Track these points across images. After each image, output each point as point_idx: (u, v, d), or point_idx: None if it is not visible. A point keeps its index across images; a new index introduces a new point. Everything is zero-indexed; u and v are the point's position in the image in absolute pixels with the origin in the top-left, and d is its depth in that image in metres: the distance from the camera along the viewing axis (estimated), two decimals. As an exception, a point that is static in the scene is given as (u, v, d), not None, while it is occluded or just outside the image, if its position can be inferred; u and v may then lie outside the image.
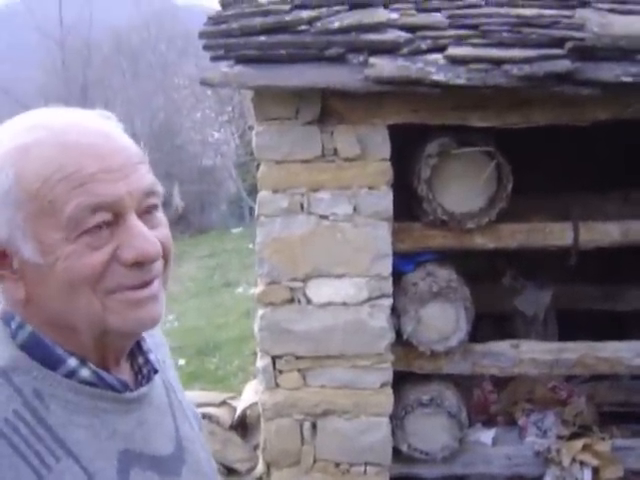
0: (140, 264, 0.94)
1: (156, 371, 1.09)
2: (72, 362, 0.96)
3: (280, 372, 3.33)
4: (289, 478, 3.44)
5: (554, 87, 2.87)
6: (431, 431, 3.54)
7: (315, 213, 3.10)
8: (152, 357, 1.09)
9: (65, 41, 21.90)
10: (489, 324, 4.64)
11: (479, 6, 3.78)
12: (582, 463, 3.67)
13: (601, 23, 3.46)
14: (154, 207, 0.98)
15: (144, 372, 1.07)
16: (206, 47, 3.25)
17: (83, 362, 0.97)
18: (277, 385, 3.34)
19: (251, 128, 3.48)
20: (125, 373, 1.06)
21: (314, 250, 3.13)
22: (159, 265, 0.98)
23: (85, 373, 0.97)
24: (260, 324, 3.29)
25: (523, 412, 3.99)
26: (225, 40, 3.22)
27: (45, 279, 0.92)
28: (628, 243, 3.50)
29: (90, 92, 20.70)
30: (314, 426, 3.37)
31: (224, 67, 3.08)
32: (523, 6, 3.75)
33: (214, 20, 3.45)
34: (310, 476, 3.42)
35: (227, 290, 9.95)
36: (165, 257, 0.99)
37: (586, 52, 3.07)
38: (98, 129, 0.97)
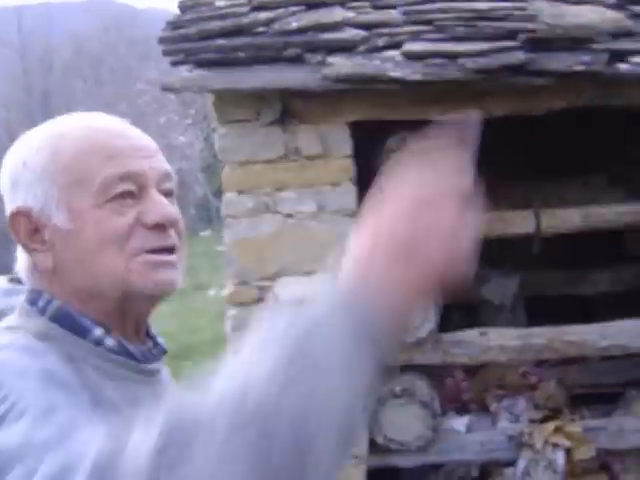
0: (161, 227, 1.04)
1: (165, 351, 1.16)
2: (98, 331, 1.03)
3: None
4: None
5: (509, 79, 2.93)
6: (405, 421, 3.59)
7: (280, 212, 3.13)
8: (160, 340, 1.16)
9: (25, 48, 21.71)
10: (458, 314, 4.70)
11: (434, 1, 3.84)
12: (555, 445, 3.74)
13: (553, 14, 3.54)
14: (170, 192, 1.09)
15: (154, 352, 1.13)
16: (166, 52, 3.27)
17: (108, 332, 1.04)
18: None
19: (215, 130, 3.51)
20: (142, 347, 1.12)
21: (281, 249, 3.16)
22: (176, 238, 1.07)
23: (110, 342, 1.03)
24: (231, 325, 3.31)
25: (495, 398, 4.05)
26: (184, 45, 3.25)
27: (74, 244, 1.02)
28: (589, 228, 3.57)
29: (52, 99, 20.54)
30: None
31: (184, 72, 3.11)
32: (477, 0, 3.82)
33: (173, 25, 3.48)
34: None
35: (199, 293, 9.93)
36: (179, 235, 1.08)
37: (539, 43, 3.14)
38: (122, 121, 1.11)
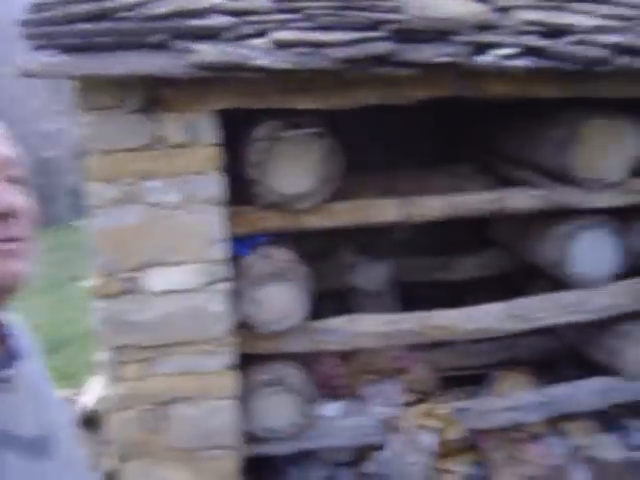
0: (4, 216, 0.97)
1: (24, 356, 1.10)
2: None
3: (123, 363, 3.29)
4: (141, 469, 3.42)
5: (374, 69, 2.96)
6: (278, 409, 3.60)
7: (147, 202, 3.07)
8: (20, 343, 1.10)
9: None
10: (332, 301, 4.75)
11: (304, -10, 3.84)
12: (425, 427, 3.83)
13: (420, 5, 3.60)
14: (18, 179, 1.02)
15: (12, 356, 1.08)
16: (29, 36, 3.13)
17: None
18: (121, 377, 3.30)
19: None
20: None
21: (148, 239, 3.11)
22: (24, 229, 1.01)
23: None
24: (99, 317, 3.24)
25: (367, 383, 4.13)
26: (48, 28, 3.12)
27: None
28: (453, 216, 3.66)
29: None
30: (161, 415, 3.36)
31: (45, 56, 2.98)
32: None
33: (38, 7, 3.34)
34: (162, 465, 3.41)
35: (72, 285, 9.65)
36: (27, 224, 1.02)
37: (404, 34, 3.18)
38: None
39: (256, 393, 3.56)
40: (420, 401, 4.00)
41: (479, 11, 3.61)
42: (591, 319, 3.97)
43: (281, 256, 3.44)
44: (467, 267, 4.86)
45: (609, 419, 4.39)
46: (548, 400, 4.06)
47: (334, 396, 4.10)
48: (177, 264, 3.15)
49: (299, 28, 3.23)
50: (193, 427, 3.37)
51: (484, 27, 3.43)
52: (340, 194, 3.49)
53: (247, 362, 3.58)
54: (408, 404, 3.99)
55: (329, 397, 4.06)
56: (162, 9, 3.26)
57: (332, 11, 3.39)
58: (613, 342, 4.11)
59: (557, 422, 4.19)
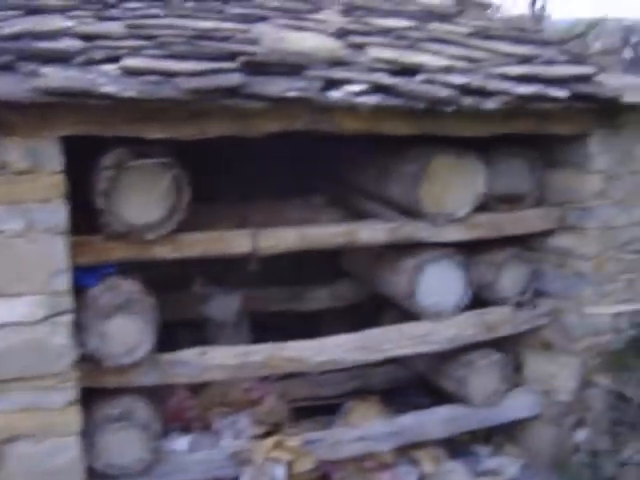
0: None
1: None
2: None
3: (-42, 400, 3.10)
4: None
5: (224, 100, 2.94)
6: (124, 445, 3.49)
7: (-15, 230, 2.92)
8: None
9: None
10: (185, 332, 4.69)
11: (159, 17, 3.80)
12: (275, 459, 3.81)
13: (275, 38, 3.63)
14: None
15: None
16: None
17: None
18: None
19: None
20: None
21: (-13, 268, 2.95)
22: None
23: None
24: None
25: (218, 416, 4.07)
26: None
27: None
28: (305, 247, 3.68)
29: None
30: (0, 454, 3.18)
31: None
32: (203, 19, 3.83)
33: None
34: (-1, 507, 3.23)
35: None
36: None
37: (257, 66, 3.18)
38: None
39: (102, 429, 3.44)
40: (271, 433, 3.97)
41: (333, 47, 3.68)
42: (438, 349, 4.08)
43: (128, 287, 3.36)
44: (320, 298, 4.90)
45: (457, 446, 4.51)
46: (398, 429, 4.13)
47: (185, 429, 4.02)
48: (17, 295, 3.00)
49: (151, 56, 3.18)
50: (34, 467, 3.19)
51: (337, 63, 3.49)
52: (193, 225, 3.44)
53: (93, 397, 3.46)
54: (259, 436, 3.96)
55: (179, 431, 3.98)
56: (9, 29, 3.16)
57: (186, 40, 3.37)
58: (459, 371, 4.23)
59: (407, 450, 4.27)
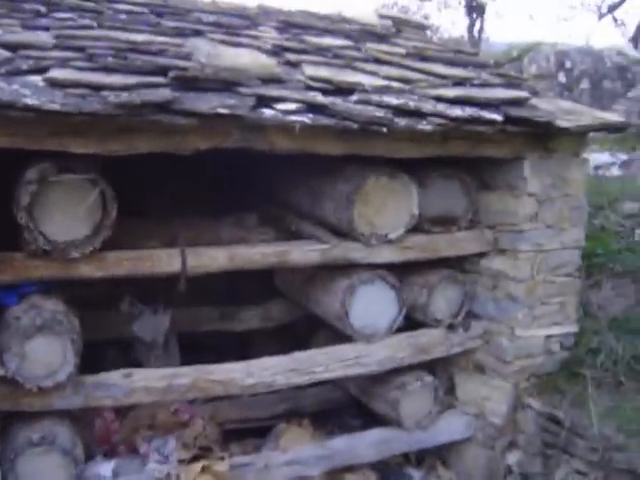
0: None
1: None
2: None
3: None
4: None
5: (152, 116, 2.85)
6: (46, 471, 3.36)
7: None
8: None
9: None
10: (114, 352, 4.57)
11: (90, 28, 3.71)
12: (202, 485, 3.72)
13: (210, 53, 3.57)
14: None
15: None
16: None
17: None
18: None
19: None
20: None
21: None
22: None
23: None
24: None
25: (144, 439, 3.95)
26: None
27: None
28: (234, 267, 3.61)
29: None
30: None
31: None
32: (136, 31, 3.75)
33: None
34: None
35: None
36: None
37: (188, 82, 3.12)
38: None
39: (22, 454, 3.30)
40: (199, 457, 3.87)
41: (268, 64, 3.64)
42: (370, 372, 4.04)
43: (51, 307, 3.24)
44: (252, 318, 4.83)
45: (390, 469, 4.48)
46: (329, 453, 4.08)
47: (110, 453, 3.89)
48: None
49: (80, 68, 3.10)
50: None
51: (271, 80, 3.44)
52: (121, 241, 3.34)
53: (11, 421, 3.33)
54: (187, 460, 3.85)
55: (104, 455, 3.85)
56: None
57: (117, 52, 3.28)
58: (391, 394, 4.20)
59: (339, 474, 4.21)
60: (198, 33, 4.07)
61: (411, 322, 4.20)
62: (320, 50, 4.16)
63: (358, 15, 5.38)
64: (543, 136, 3.92)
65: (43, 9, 3.88)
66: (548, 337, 4.26)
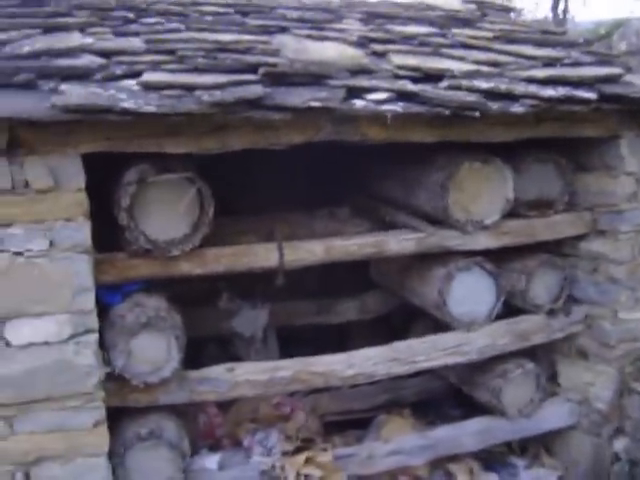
0: None
1: None
2: None
3: (-17, 422, 3.07)
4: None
5: (245, 112, 2.89)
6: (154, 464, 3.45)
7: (8, 250, 2.88)
8: None
9: None
10: (215, 347, 4.65)
11: (178, 31, 3.78)
12: (306, 476, 3.75)
13: (296, 49, 3.59)
14: None
15: None
16: None
17: None
18: (-19, 437, 3.08)
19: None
20: None
21: (10, 289, 2.91)
22: None
23: None
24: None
25: (248, 432, 4.02)
26: None
27: None
28: (331, 260, 3.63)
29: None
30: (27, 476, 3.14)
31: None
32: (223, 31, 3.81)
33: None
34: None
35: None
36: None
37: (278, 77, 3.14)
38: None
39: (131, 448, 3.39)
40: (302, 449, 3.91)
41: (355, 55, 3.64)
42: (471, 360, 4.00)
43: (153, 304, 3.31)
44: (348, 310, 4.84)
45: (493, 458, 4.43)
46: (431, 442, 4.06)
47: (214, 447, 3.97)
48: (42, 315, 2.97)
49: (172, 70, 3.16)
50: (62, 488, 3.17)
51: (359, 71, 3.44)
52: (218, 239, 3.40)
53: (120, 416, 3.42)
54: (290, 452, 3.90)
55: (209, 448, 3.93)
56: (29, 48, 3.14)
57: (206, 53, 3.34)
58: (493, 382, 4.15)
59: (442, 463, 4.20)
60: (283, 30, 4.09)
61: (510, 309, 4.14)
62: (406, 39, 4.13)
63: (441, 2, 5.32)
64: (639, 113, 3.80)
65: (132, 15, 3.97)
66: (652, 320, 4.14)
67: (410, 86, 3.32)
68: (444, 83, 3.44)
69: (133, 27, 3.79)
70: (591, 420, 4.25)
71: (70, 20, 3.70)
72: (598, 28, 11.21)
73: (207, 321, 4.37)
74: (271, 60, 3.32)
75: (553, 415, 4.32)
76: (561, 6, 17.73)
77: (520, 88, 3.46)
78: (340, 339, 4.90)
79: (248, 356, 4.41)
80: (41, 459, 3.10)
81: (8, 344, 2.97)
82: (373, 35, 4.14)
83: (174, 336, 3.28)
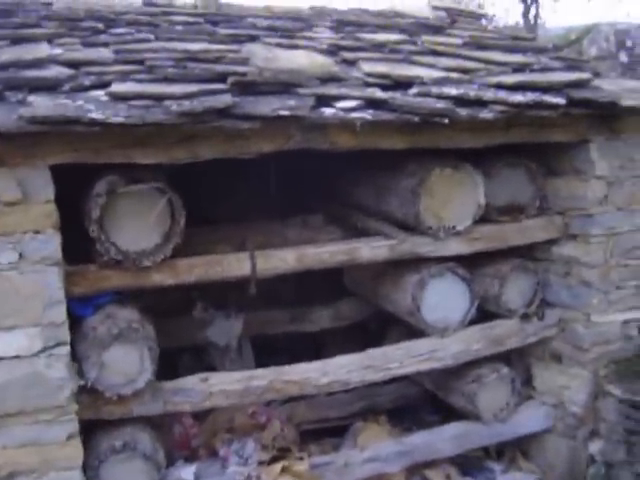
0: None
1: None
2: None
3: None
4: None
5: (214, 122, 2.88)
6: (129, 477, 3.42)
7: (-23, 263, 2.86)
8: None
9: None
10: (190, 357, 4.63)
11: (148, 41, 3.77)
12: (284, 485, 3.74)
13: (266, 57, 3.59)
14: None
15: None
16: None
17: None
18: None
19: None
20: None
21: (-21, 303, 2.89)
22: None
23: None
24: None
25: (224, 442, 4.00)
26: None
27: None
28: (304, 268, 3.62)
29: None
30: (-3, 492, 3.11)
31: None
32: (192, 41, 3.80)
33: None
34: None
35: None
36: None
37: (247, 86, 3.14)
38: None
39: (105, 461, 3.36)
40: (279, 458, 3.90)
41: (325, 63, 3.64)
42: (445, 365, 4.01)
43: (126, 316, 3.29)
44: (323, 318, 4.84)
45: (470, 463, 4.44)
46: (408, 449, 4.06)
47: (190, 458, 3.95)
48: (12, 329, 2.94)
49: (141, 80, 3.15)
50: (35, 503, 3.13)
51: (329, 79, 3.45)
52: (190, 249, 3.39)
53: (93, 429, 3.39)
54: (267, 462, 3.88)
55: (185, 459, 3.91)
56: (-3, 59, 3.12)
57: (175, 63, 3.33)
58: (468, 387, 4.16)
59: (418, 470, 4.19)
60: (253, 38, 4.09)
61: (484, 314, 4.16)
62: (376, 46, 4.15)
63: (411, 9, 5.35)
64: (608, 117, 3.84)
65: (101, 26, 3.95)
66: (625, 322, 4.16)
67: (379, 93, 3.33)
68: (413, 90, 3.46)
69: (102, 37, 3.78)
70: (566, 423, 4.27)
71: (38, 31, 3.68)
72: (569, 34, 11.32)
73: (181, 331, 4.35)
74: (240, 69, 3.32)
75: (529, 419, 4.34)
76: (532, 12, 17.91)
77: (489, 94, 3.48)
78: (315, 347, 4.90)
79: (223, 366, 4.40)
80: (14, 474, 3.07)
81: (-22, 358, 2.94)
82: (343, 43, 4.15)
83: (147, 347, 3.26)
